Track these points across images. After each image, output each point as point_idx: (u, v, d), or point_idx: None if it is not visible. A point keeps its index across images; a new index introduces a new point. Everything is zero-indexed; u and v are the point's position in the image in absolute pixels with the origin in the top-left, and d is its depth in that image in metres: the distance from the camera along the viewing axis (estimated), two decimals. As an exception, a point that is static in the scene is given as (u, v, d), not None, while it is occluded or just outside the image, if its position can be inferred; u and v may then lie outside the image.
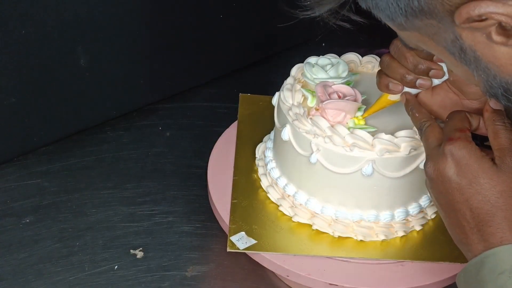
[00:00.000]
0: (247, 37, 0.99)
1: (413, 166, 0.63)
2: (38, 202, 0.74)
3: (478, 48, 0.40)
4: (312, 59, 0.68)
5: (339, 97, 0.64)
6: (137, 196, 0.75)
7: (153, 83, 0.90)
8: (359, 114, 0.65)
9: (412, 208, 0.67)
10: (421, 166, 0.62)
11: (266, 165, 0.70)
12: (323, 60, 0.69)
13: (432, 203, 0.68)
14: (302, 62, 0.70)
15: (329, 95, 0.64)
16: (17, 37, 0.71)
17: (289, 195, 0.67)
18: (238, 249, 0.63)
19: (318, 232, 0.66)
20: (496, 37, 0.38)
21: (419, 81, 0.58)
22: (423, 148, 0.59)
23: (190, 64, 0.93)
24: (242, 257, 0.66)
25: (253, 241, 0.63)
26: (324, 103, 0.63)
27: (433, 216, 0.68)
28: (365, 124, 0.64)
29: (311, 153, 0.62)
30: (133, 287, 0.64)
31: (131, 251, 0.68)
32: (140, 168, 0.80)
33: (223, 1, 0.92)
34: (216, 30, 0.93)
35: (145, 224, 0.72)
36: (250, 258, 0.65)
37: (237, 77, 0.99)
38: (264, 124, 0.76)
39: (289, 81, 0.68)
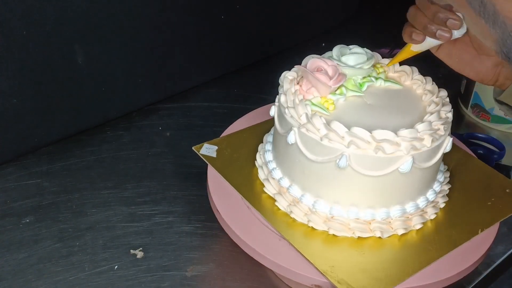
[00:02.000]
0: (247, 37, 0.99)
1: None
2: (38, 202, 0.74)
3: (498, 1, 0.41)
4: (351, 46, 0.72)
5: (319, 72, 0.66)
6: (137, 196, 0.75)
7: (153, 83, 0.90)
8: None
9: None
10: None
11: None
12: (357, 49, 0.71)
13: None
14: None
15: (314, 68, 0.66)
16: (18, 37, 0.71)
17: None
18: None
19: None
20: None
21: (439, 32, 0.60)
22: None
23: (190, 64, 0.93)
24: (242, 257, 0.66)
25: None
26: (302, 71, 0.66)
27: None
28: (331, 108, 0.66)
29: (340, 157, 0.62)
30: (133, 287, 0.64)
31: (131, 251, 0.68)
32: (140, 168, 0.80)
33: (223, 1, 0.92)
34: (216, 30, 0.93)
35: (145, 224, 0.72)
36: (250, 258, 0.65)
37: (237, 77, 0.99)
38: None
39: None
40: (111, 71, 0.83)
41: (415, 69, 0.73)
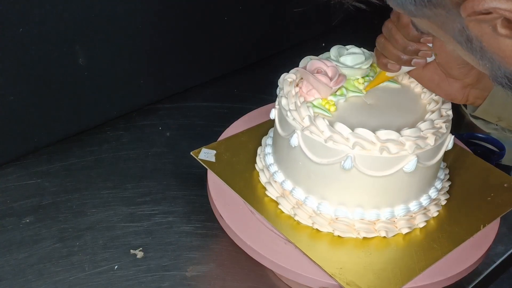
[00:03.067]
0: (247, 37, 0.99)
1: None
2: (38, 202, 0.74)
3: (484, 39, 0.41)
4: (348, 46, 0.72)
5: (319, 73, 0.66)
6: (137, 196, 0.75)
7: (153, 83, 0.90)
8: (362, 87, 0.69)
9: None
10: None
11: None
12: (355, 49, 0.72)
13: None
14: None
15: (314, 69, 0.66)
16: (16, 36, 0.71)
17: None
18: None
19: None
20: (502, 30, 0.39)
21: (414, 60, 0.64)
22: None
23: (190, 64, 0.93)
24: (242, 257, 0.66)
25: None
26: (302, 73, 0.66)
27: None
28: (332, 110, 0.66)
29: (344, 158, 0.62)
30: (133, 287, 0.64)
31: (131, 251, 0.68)
32: (140, 168, 0.80)
33: (223, 1, 0.92)
34: (216, 30, 0.93)
35: (145, 224, 0.71)
36: (250, 258, 0.65)
37: (237, 77, 0.99)
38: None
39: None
40: (111, 71, 0.83)
41: None
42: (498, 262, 0.69)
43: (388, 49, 0.64)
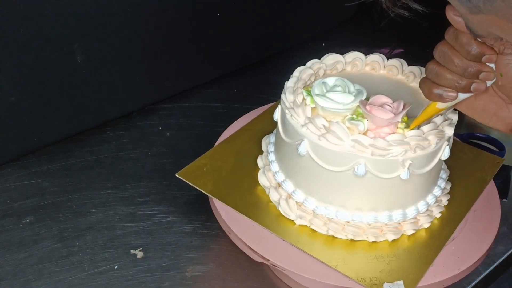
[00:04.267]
0: (247, 37, 0.99)
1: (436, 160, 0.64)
2: (38, 202, 0.74)
3: None
4: (316, 90, 0.66)
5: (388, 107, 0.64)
6: (137, 196, 0.75)
7: (153, 83, 0.90)
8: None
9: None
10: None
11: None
12: (325, 85, 0.67)
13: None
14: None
15: (380, 103, 0.64)
16: (17, 36, 0.71)
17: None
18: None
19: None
20: None
21: (474, 86, 0.55)
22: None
23: (190, 64, 0.93)
24: (242, 257, 0.66)
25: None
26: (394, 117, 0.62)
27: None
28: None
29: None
30: (133, 287, 0.64)
31: (131, 251, 0.68)
32: (140, 168, 0.80)
33: (223, 1, 0.92)
34: (216, 30, 0.93)
35: (145, 224, 0.71)
36: (250, 258, 0.65)
37: (237, 77, 0.99)
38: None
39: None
40: (111, 71, 0.83)
41: (423, 69, 0.71)
42: (498, 262, 0.69)
43: (443, 75, 0.56)
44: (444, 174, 0.71)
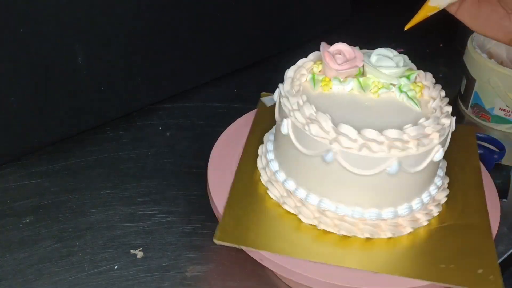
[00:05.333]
0: (247, 37, 0.99)
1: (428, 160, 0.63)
2: (38, 202, 0.74)
3: None
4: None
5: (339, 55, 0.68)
6: (137, 196, 0.75)
7: (153, 83, 0.90)
8: (374, 90, 0.68)
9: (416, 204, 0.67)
10: (435, 158, 0.63)
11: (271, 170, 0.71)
12: (399, 57, 0.70)
13: (435, 202, 0.68)
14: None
15: (335, 50, 0.68)
16: (16, 36, 0.71)
17: (292, 192, 0.68)
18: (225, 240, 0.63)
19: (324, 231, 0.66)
20: None
21: None
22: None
23: (190, 64, 0.93)
24: (242, 257, 0.66)
25: None
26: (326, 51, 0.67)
27: (436, 214, 0.69)
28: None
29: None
30: (133, 287, 0.64)
31: (131, 251, 0.68)
32: (140, 168, 0.80)
33: (223, 1, 0.92)
34: (216, 30, 0.93)
35: (145, 224, 0.71)
36: (250, 258, 0.65)
37: (237, 77, 0.99)
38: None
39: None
40: (111, 71, 0.83)
41: (445, 99, 0.70)
42: (498, 262, 0.68)
43: None
44: (441, 172, 0.71)
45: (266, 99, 0.76)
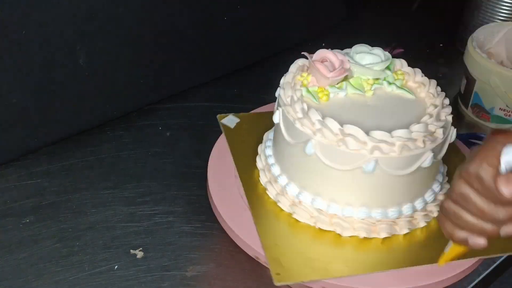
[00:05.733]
0: (247, 37, 0.99)
1: (418, 163, 0.63)
2: (38, 202, 0.73)
3: None
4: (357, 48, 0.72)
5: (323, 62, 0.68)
6: (137, 196, 0.75)
7: (153, 83, 0.90)
8: (369, 88, 0.68)
9: (418, 204, 0.67)
10: (424, 164, 0.63)
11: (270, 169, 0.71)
12: (377, 50, 0.72)
13: (436, 202, 0.69)
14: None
15: (320, 58, 0.68)
16: (18, 37, 0.71)
17: (287, 193, 0.68)
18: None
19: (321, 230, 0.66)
20: None
21: (506, 230, 0.47)
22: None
23: (190, 64, 0.93)
24: (242, 257, 0.66)
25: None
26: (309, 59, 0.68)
27: (435, 214, 0.69)
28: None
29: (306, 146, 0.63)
30: (133, 287, 0.64)
31: (131, 251, 0.68)
32: (140, 168, 0.80)
33: (223, 1, 0.92)
34: (216, 30, 0.93)
35: (145, 224, 0.71)
36: (250, 258, 0.65)
37: (237, 77, 0.99)
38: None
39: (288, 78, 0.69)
40: (111, 71, 0.83)
41: (433, 82, 0.71)
42: (498, 262, 0.68)
43: (464, 218, 0.48)
44: (441, 177, 0.71)
45: (226, 121, 0.76)
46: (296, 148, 0.65)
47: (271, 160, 0.71)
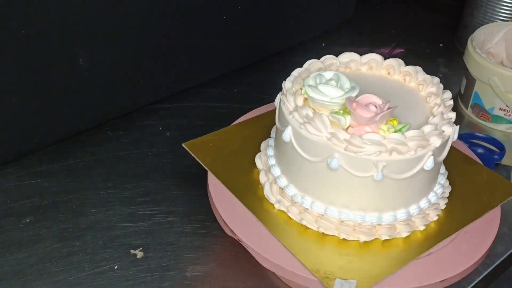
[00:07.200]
0: (247, 37, 0.99)
1: (419, 166, 0.63)
2: (38, 202, 0.74)
3: None
4: (311, 81, 0.67)
5: (375, 107, 0.63)
6: (137, 196, 0.75)
7: (153, 83, 0.90)
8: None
9: (414, 209, 0.67)
10: (426, 167, 0.62)
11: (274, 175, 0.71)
12: (320, 77, 0.68)
13: (434, 206, 0.68)
14: (302, 62, 0.71)
15: (364, 105, 0.63)
16: (17, 37, 0.71)
17: (293, 199, 0.68)
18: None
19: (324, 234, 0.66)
20: None
21: None
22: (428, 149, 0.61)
23: (190, 64, 0.93)
24: (242, 257, 0.66)
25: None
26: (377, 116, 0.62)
27: (435, 218, 0.69)
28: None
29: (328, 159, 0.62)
30: (133, 287, 0.64)
31: (131, 251, 0.68)
32: (140, 168, 0.80)
33: (223, 1, 0.92)
34: (216, 30, 0.93)
35: (145, 224, 0.71)
36: (250, 258, 0.65)
37: (237, 77, 0.99)
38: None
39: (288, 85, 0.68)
40: (111, 71, 0.83)
41: (419, 69, 0.72)
42: (498, 262, 0.68)
43: None
44: (439, 188, 0.71)
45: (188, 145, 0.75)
46: (316, 164, 0.64)
47: (283, 182, 0.69)
